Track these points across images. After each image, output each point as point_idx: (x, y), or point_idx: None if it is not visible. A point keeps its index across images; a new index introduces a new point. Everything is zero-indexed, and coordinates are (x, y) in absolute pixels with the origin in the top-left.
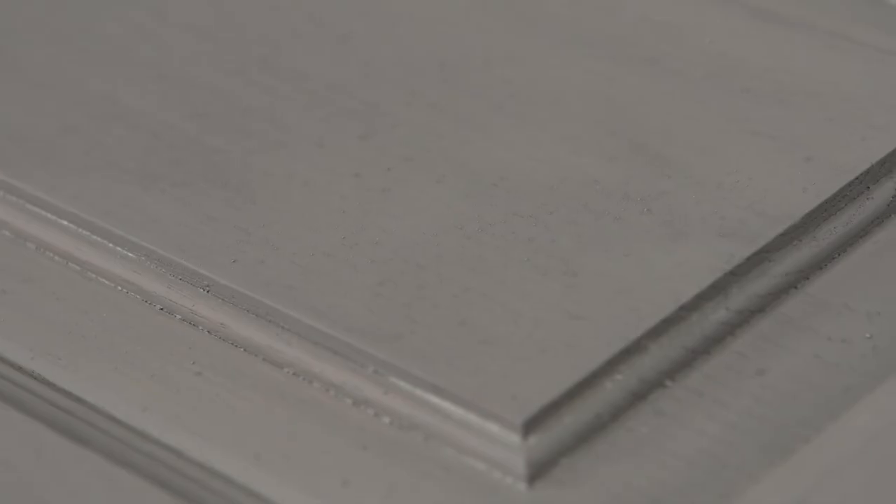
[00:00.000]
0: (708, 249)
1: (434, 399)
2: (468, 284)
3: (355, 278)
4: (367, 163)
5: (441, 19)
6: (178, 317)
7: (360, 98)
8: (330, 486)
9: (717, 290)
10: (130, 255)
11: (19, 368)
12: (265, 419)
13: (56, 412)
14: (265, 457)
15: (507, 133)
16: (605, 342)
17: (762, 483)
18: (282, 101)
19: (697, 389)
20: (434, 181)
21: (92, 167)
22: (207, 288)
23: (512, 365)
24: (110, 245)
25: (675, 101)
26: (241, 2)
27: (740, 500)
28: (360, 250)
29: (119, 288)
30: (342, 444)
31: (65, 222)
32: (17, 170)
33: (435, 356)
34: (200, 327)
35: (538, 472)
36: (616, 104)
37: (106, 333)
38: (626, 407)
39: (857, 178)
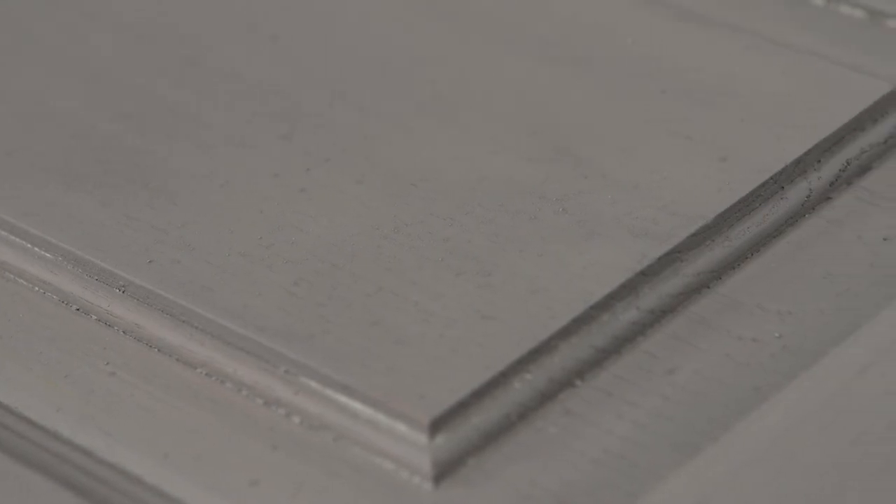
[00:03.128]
0: (621, 249)
1: (344, 399)
2: (382, 284)
3: (270, 278)
4: (287, 163)
5: (370, 20)
6: (94, 317)
7: (284, 98)
8: (238, 485)
9: (628, 289)
10: (48, 255)
11: None
12: (177, 419)
13: None
14: (174, 456)
15: (429, 133)
16: (515, 342)
17: (669, 482)
18: (207, 102)
19: (607, 389)
20: (353, 181)
21: (14, 167)
22: (123, 288)
23: (422, 365)
24: (28, 245)
25: (595, 101)
26: (171, 2)
27: (648, 499)
28: (276, 250)
29: (36, 288)
30: (252, 444)
31: None
32: None
33: (346, 356)
34: (116, 328)
35: (444, 471)
36: (537, 104)
37: (22, 334)
38: (534, 407)
39: (771, 178)
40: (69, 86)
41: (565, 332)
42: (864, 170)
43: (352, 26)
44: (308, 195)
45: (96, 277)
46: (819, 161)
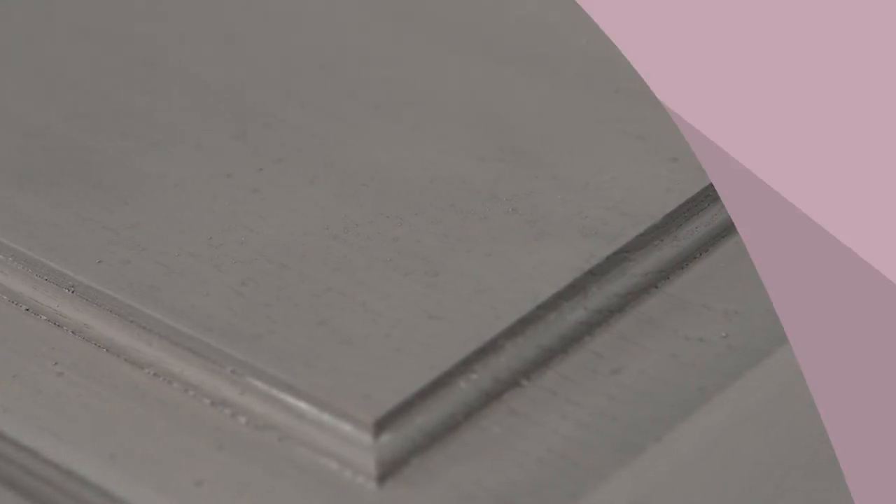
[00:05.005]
0: (569, 249)
1: (289, 399)
2: (330, 284)
3: (218, 278)
4: (239, 163)
5: (324, 20)
6: (44, 317)
7: (237, 98)
8: (183, 485)
9: (576, 289)
10: None
11: None
12: (124, 419)
13: None
14: (120, 457)
15: (382, 133)
16: (460, 342)
17: (611, 482)
18: (161, 101)
19: (552, 389)
20: (305, 181)
21: None
22: (72, 288)
23: (367, 364)
24: None
25: (547, 101)
26: (126, 2)
27: (589, 499)
28: (226, 250)
29: None
30: (198, 444)
31: None
32: None
33: (292, 356)
34: (65, 328)
35: (388, 471)
36: (490, 104)
37: None
38: (479, 406)
39: None
40: (22, 85)
41: (511, 332)
42: None
43: (305, 27)
44: (261, 195)
45: (46, 278)
46: None
